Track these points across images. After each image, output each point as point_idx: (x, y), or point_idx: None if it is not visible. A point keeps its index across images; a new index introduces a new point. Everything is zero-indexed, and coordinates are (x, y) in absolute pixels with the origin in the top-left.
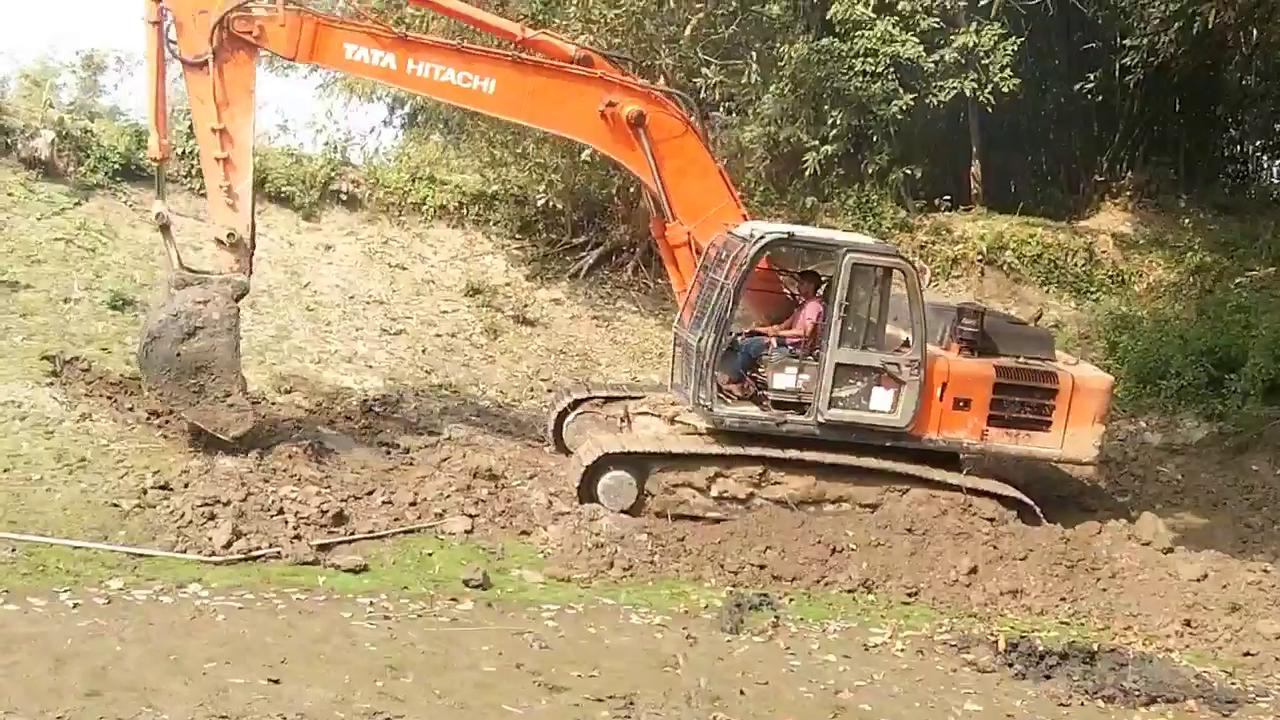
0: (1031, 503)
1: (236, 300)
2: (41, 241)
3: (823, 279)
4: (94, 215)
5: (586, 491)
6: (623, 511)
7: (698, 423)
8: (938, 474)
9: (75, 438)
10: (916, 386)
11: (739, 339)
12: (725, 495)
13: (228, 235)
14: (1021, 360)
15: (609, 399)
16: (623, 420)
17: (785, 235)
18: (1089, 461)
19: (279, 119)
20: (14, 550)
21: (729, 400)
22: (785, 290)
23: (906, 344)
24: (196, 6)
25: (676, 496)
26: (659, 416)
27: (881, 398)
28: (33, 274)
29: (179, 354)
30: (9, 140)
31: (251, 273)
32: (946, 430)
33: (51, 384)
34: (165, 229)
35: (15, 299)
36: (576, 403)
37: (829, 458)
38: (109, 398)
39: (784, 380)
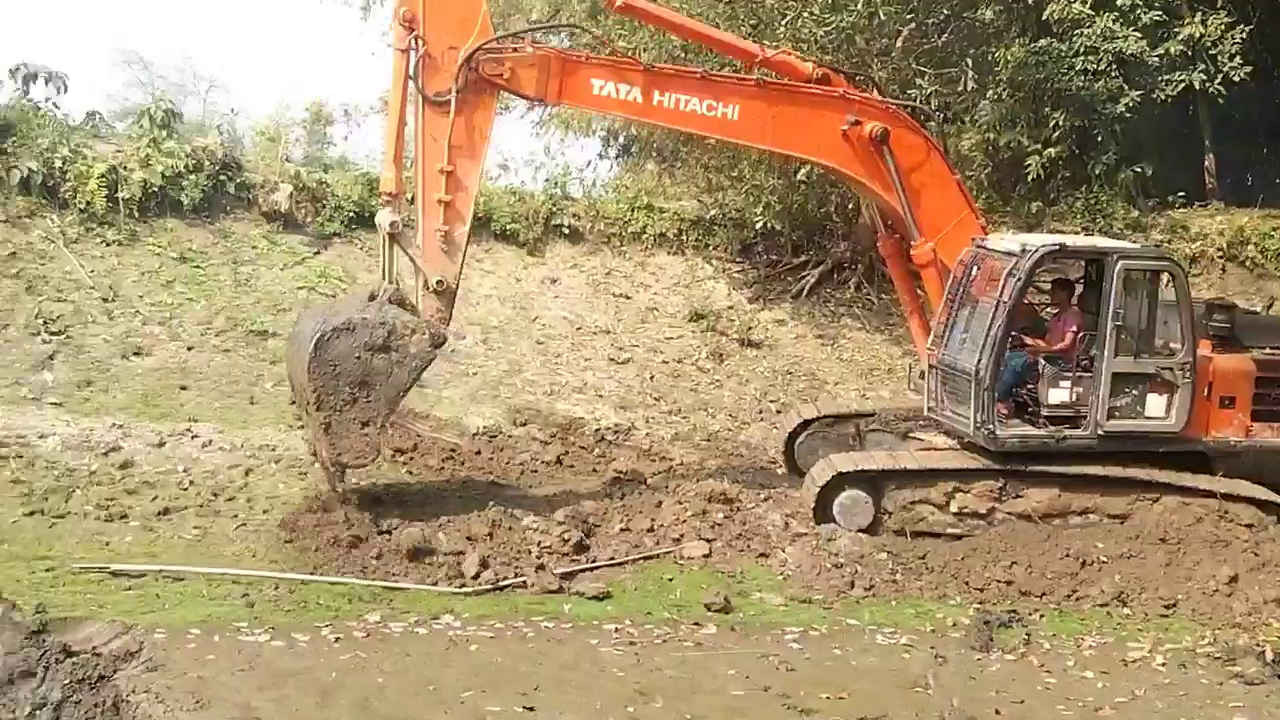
0: None
1: (434, 348)
2: (285, 290)
3: (1076, 286)
4: (333, 263)
5: (822, 512)
6: (860, 530)
7: (933, 438)
8: (1191, 480)
9: (326, 478)
10: (1189, 389)
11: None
12: (965, 511)
13: (437, 282)
14: (1272, 352)
15: (839, 418)
16: (854, 438)
17: (1057, 247)
18: None
19: (499, 158)
20: (277, 588)
21: (1003, 421)
22: (1028, 300)
23: (1167, 346)
24: (449, 41)
25: (915, 514)
26: (892, 433)
27: (1156, 404)
28: (279, 322)
29: (359, 358)
30: (251, 195)
31: (450, 322)
32: (1215, 430)
33: (302, 427)
34: (395, 238)
35: (265, 347)
36: (806, 423)
37: (1072, 469)
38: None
39: (1058, 395)
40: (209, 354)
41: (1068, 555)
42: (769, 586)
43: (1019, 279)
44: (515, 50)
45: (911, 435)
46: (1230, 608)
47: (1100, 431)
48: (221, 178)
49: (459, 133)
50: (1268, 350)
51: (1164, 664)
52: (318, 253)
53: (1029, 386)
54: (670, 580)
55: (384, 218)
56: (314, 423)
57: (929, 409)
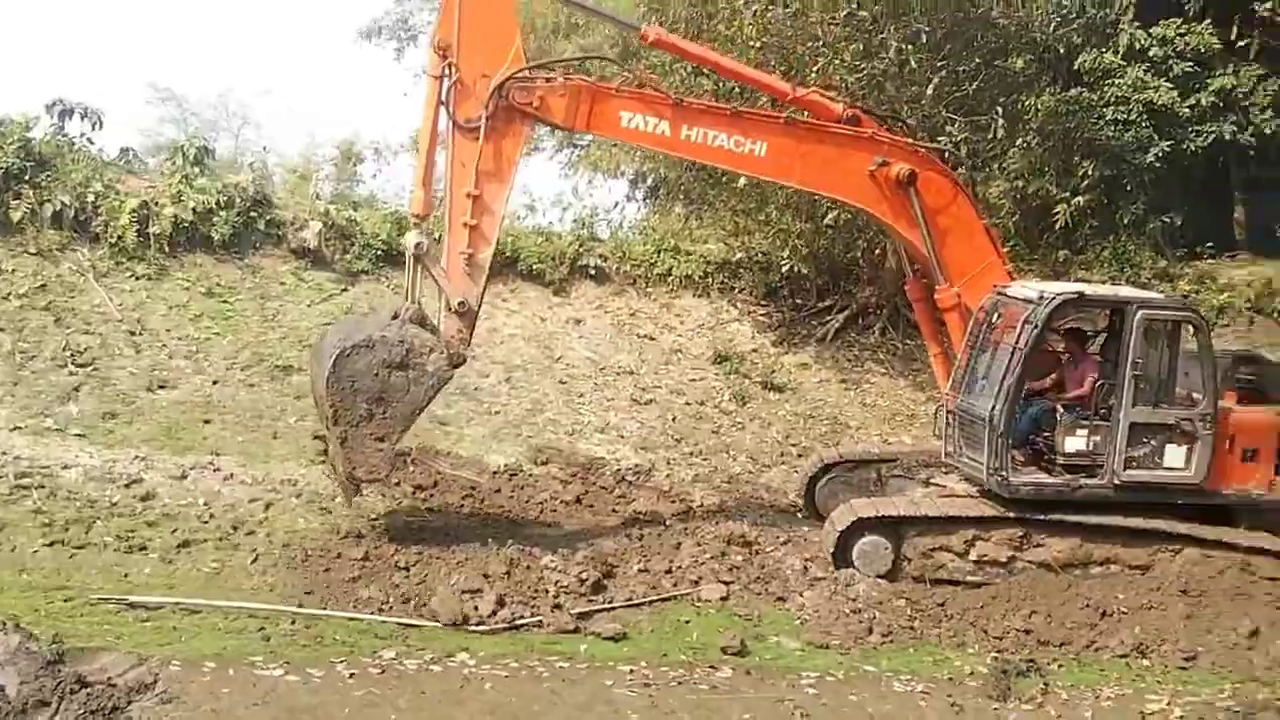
0: None
1: (452, 368)
2: (311, 327)
3: (1089, 336)
4: (360, 300)
5: (842, 557)
6: (879, 576)
7: (954, 484)
8: (1213, 532)
9: (347, 513)
10: (1209, 441)
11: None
12: (985, 559)
13: (459, 304)
14: None
15: (861, 462)
16: (876, 483)
17: (1075, 295)
18: None
19: (527, 199)
20: (293, 623)
21: (1017, 468)
22: (1049, 348)
23: (1188, 397)
24: (481, 69)
25: (934, 560)
26: (913, 478)
27: (1175, 455)
28: (304, 358)
29: (377, 374)
30: (280, 232)
31: (470, 344)
32: (1237, 483)
33: (323, 462)
34: (420, 258)
35: (288, 382)
36: (828, 467)
37: (1094, 519)
38: (379, 483)
39: (1075, 443)
40: (233, 388)
41: (1088, 605)
42: (786, 630)
43: (1036, 326)
44: (547, 80)
45: (932, 481)
46: (1251, 661)
47: (1117, 481)
48: (252, 214)
49: (487, 159)
50: None
51: (1182, 717)
52: (345, 289)
53: (1046, 434)
54: (687, 622)
55: (411, 238)
56: (331, 437)
57: (947, 454)
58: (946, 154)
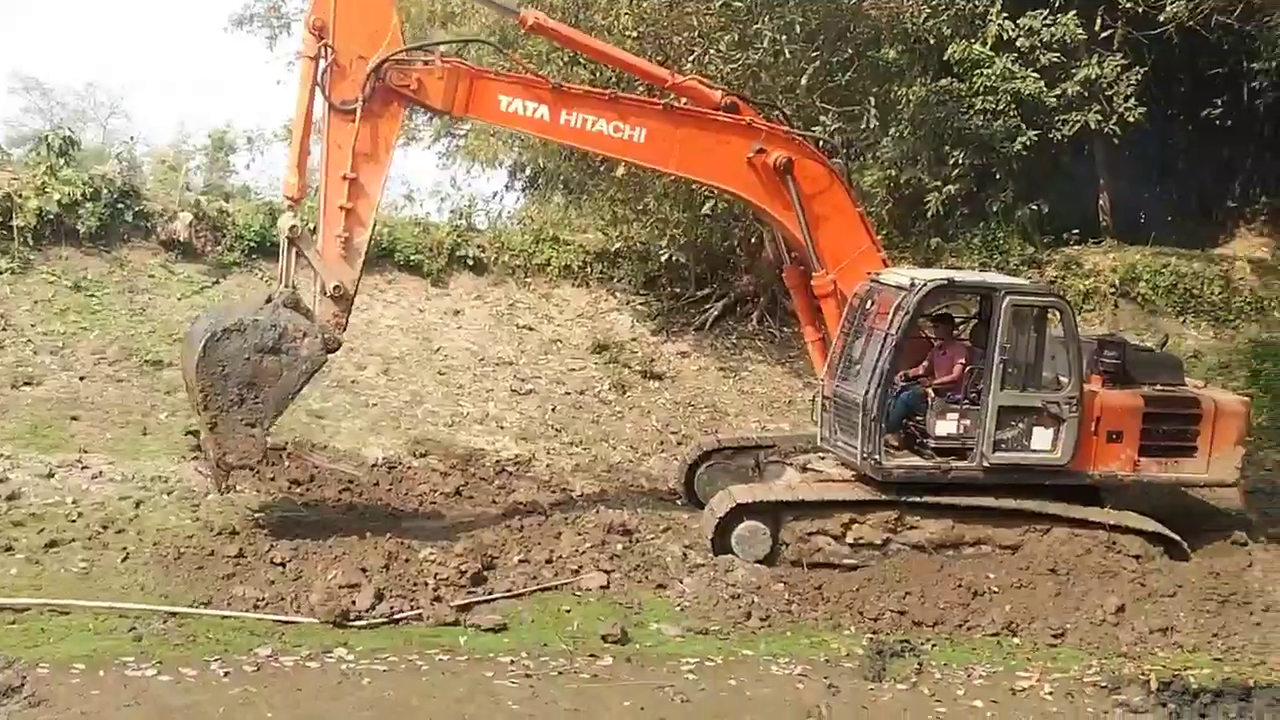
0: (1178, 538)
1: (326, 352)
2: (183, 320)
3: (957, 322)
4: (232, 293)
5: (721, 543)
6: (758, 561)
7: (830, 469)
8: (1080, 512)
9: (220, 509)
10: (1075, 423)
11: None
12: (861, 541)
13: (335, 287)
14: (1163, 388)
15: (739, 449)
16: (754, 469)
17: (946, 282)
18: (1232, 483)
19: (404, 189)
20: (165, 622)
21: (890, 452)
22: (921, 334)
23: (1055, 381)
24: (358, 51)
25: (811, 544)
26: (790, 464)
27: (1042, 437)
28: (174, 352)
29: (249, 359)
30: (149, 224)
31: (345, 328)
32: (1101, 464)
33: (196, 458)
34: (294, 242)
35: (159, 377)
36: (707, 454)
37: (965, 500)
38: (251, 469)
39: (946, 427)
40: (101, 384)
41: (960, 585)
42: (666, 617)
43: (907, 313)
44: (425, 63)
45: (809, 466)
46: (1117, 637)
47: (986, 463)
48: (119, 206)
49: (364, 141)
50: (1158, 386)
51: (1051, 693)
52: (217, 282)
53: (918, 418)
54: (568, 611)
55: (284, 221)
56: (202, 422)
57: (823, 439)
58: (822, 142)
